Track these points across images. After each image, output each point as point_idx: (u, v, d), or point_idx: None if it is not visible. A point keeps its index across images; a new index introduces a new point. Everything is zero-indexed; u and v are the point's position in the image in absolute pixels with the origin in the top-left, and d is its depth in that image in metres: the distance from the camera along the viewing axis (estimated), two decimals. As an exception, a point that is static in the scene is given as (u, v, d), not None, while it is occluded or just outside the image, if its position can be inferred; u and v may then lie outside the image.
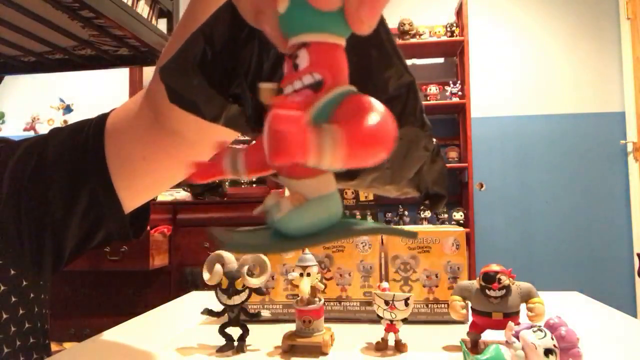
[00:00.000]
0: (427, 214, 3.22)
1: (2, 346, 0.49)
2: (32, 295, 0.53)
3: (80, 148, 0.53)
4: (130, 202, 0.55)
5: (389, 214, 3.30)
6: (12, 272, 0.51)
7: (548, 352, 0.41)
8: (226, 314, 0.60)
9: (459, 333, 0.61)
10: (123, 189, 0.53)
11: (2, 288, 0.50)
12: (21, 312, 0.52)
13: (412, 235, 0.22)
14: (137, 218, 0.57)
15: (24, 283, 0.52)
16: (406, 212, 3.25)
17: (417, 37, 3.24)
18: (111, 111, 0.56)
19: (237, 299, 0.58)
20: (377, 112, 0.17)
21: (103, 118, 0.55)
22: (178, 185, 2.71)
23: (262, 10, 0.20)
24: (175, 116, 0.47)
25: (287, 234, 0.20)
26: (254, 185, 2.65)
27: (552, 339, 0.42)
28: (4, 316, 0.50)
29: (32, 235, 0.52)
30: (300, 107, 0.17)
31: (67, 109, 3.84)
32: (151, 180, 0.54)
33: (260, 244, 0.21)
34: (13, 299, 0.51)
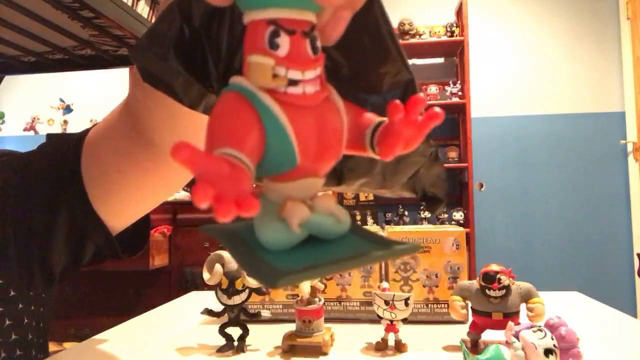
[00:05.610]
0: (427, 214, 3.22)
1: None
2: (20, 305, 0.51)
3: (59, 161, 0.51)
4: (111, 219, 0.51)
5: (389, 214, 3.30)
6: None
7: (548, 352, 0.41)
8: (226, 314, 0.60)
9: (459, 333, 0.61)
10: (100, 204, 0.50)
11: None
12: (8, 322, 0.50)
13: (410, 250, 0.20)
14: (135, 236, 0.55)
15: (12, 293, 0.51)
16: (406, 212, 3.25)
17: (417, 37, 3.24)
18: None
19: (237, 299, 0.58)
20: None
21: (89, 129, 0.52)
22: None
23: None
24: (153, 124, 0.44)
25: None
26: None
27: (552, 339, 0.42)
28: None
29: (20, 253, 0.50)
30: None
31: (67, 109, 3.84)
32: (127, 196, 0.51)
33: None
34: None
